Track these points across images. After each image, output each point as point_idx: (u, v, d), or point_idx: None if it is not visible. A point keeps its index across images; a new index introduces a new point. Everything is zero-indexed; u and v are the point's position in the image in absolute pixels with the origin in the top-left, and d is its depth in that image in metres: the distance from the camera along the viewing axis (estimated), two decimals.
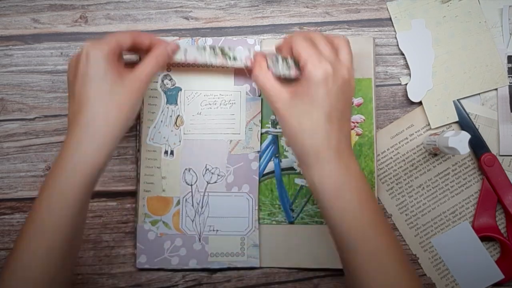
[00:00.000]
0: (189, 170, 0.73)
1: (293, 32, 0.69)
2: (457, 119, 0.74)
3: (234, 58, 0.69)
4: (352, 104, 0.64)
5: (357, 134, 0.73)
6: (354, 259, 0.59)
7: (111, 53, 0.61)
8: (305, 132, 0.60)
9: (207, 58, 0.69)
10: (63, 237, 0.58)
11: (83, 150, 0.59)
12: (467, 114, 0.74)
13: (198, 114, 0.73)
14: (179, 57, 0.69)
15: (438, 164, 0.74)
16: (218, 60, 0.69)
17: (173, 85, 0.73)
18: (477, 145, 0.73)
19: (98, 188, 0.73)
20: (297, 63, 0.63)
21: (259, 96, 0.74)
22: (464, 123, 0.74)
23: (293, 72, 0.63)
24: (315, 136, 0.59)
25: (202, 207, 0.73)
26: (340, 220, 0.59)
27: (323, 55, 0.61)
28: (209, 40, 0.74)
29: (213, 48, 0.69)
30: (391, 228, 0.61)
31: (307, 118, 0.59)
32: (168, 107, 0.73)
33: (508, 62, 0.74)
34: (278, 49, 0.67)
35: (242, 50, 0.69)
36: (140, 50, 0.67)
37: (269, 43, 0.74)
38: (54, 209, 0.58)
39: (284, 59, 0.64)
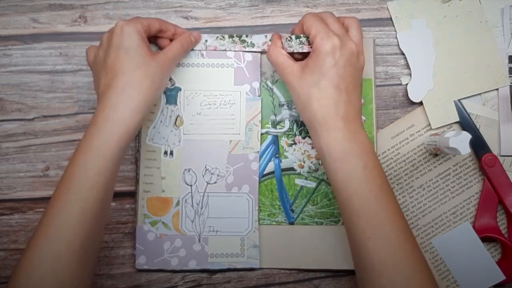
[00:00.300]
0: (188, 171, 0.73)
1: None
2: (458, 119, 0.73)
3: (252, 44, 0.73)
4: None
5: None
6: (357, 224, 0.60)
7: (143, 31, 0.65)
8: (314, 101, 0.63)
9: (227, 46, 0.73)
10: (96, 197, 0.59)
11: (120, 112, 0.62)
12: (468, 114, 0.74)
13: (197, 114, 0.73)
14: (200, 47, 0.73)
15: (438, 165, 0.74)
16: (237, 47, 0.73)
17: (173, 85, 0.73)
18: (478, 146, 0.73)
19: None
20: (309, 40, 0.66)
21: (259, 96, 0.73)
22: (465, 123, 0.73)
23: (306, 48, 0.67)
24: (323, 104, 0.62)
25: (202, 208, 0.73)
26: (344, 186, 0.61)
27: (332, 30, 0.64)
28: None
29: (231, 36, 0.73)
30: (395, 199, 0.62)
31: (316, 87, 0.62)
32: (167, 107, 0.73)
33: (509, 62, 0.74)
34: (293, 32, 0.70)
35: (260, 37, 0.72)
36: (163, 38, 0.71)
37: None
38: (90, 167, 0.60)
39: (298, 37, 0.67)
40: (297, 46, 0.67)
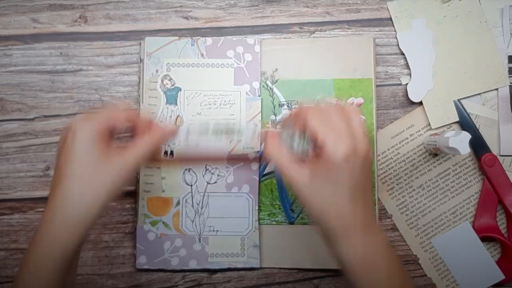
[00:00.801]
0: (189, 171, 0.73)
1: (300, 101, 0.68)
2: (457, 119, 0.74)
3: (240, 134, 0.70)
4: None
5: None
6: None
7: (100, 132, 0.58)
8: (330, 212, 0.57)
9: (211, 139, 0.69)
10: None
11: (56, 229, 0.56)
12: (468, 114, 0.74)
13: (198, 114, 0.73)
14: (179, 141, 0.70)
15: (438, 164, 0.74)
16: (223, 141, 0.70)
17: (173, 85, 0.73)
18: (478, 145, 0.73)
19: None
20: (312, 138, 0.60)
21: (259, 96, 0.73)
22: (465, 123, 0.73)
23: (311, 148, 0.60)
24: (340, 215, 0.57)
25: (202, 208, 0.73)
26: None
27: (340, 132, 0.57)
28: (209, 40, 0.74)
29: (216, 129, 0.70)
30: None
31: (331, 199, 0.57)
32: (167, 107, 0.73)
33: (509, 62, 0.74)
34: (286, 122, 0.63)
35: (247, 126, 0.70)
36: (135, 131, 0.63)
37: (269, 43, 0.74)
38: (31, 281, 0.55)
39: (302, 134, 0.60)
40: (304, 146, 0.60)
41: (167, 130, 0.65)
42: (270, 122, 0.74)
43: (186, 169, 0.73)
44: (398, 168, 0.74)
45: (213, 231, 0.73)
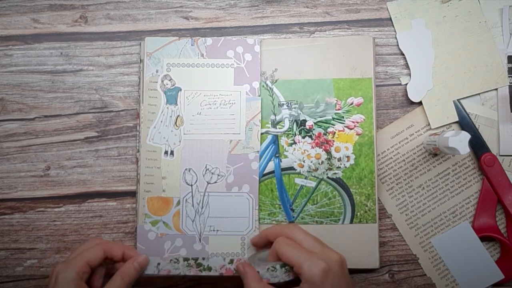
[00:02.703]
0: (189, 170, 0.73)
1: (271, 228, 0.71)
2: (457, 119, 0.74)
3: (209, 268, 0.70)
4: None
5: (357, 134, 0.73)
6: None
7: (79, 276, 0.63)
8: None
9: (181, 270, 0.70)
10: None
11: None
12: (467, 114, 0.74)
13: (198, 114, 0.73)
14: (151, 271, 0.70)
15: (438, 164, 0.74)
16: (193, 271, 0.70)
17: (173, 85, 0.73)
18: (477, 145, 0.73)
19: (98, 188, 0.73)
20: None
21: (259, 96, 0.74)
22: (464, 123, 0.74)
23: (291, 276, 0.65)
24: None
25: (202, 207, 0.73)
26: None
27: (311, 251, 0.63)
28: (209, 40, 0.74)
29: (186, 259, 0.71)
30: None
31: None
32: (168, 107, 0.73)
33: (508, 62, 0.74)
34: (260, 255, 0.69)
35: (217, 260, 0.71)
36: (113, 261, 0.68)
37: (269, 43, 0.74)
38: None
39: (283, 265, 0.65)
40: (283, 276, 0.65)
41: (138, 258, 0.68)
42: (270, 122, 0.74)
43: (186, 169, 0.73)
44: (398, 168, 0.75)
45: (213, 230, 0.73)
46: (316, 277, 0.61)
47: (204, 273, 0.71)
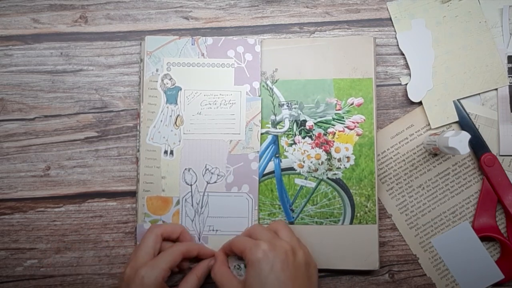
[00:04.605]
0: (188, 170, 0.73)
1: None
2: (457, 119, 0.74)
3: None
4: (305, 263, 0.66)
5: (357, 134, 0.73)
6: None
7: (163, 278, 0.65)
8: None
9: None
10: None
11: None
12: (467, 114, 0.74)
13: (198, 114, 0.73)
14: None
15: (438, 164, 0.74)
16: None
17: (173, 84, 0.73)
18: (477, 145, 0.73)
19: (98, 188, 0.73)
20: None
21: (259, 96, 0.74)
22: (464, 123, 0.74)
23: None
24: None
25: (201, 207, 0.73)
26: None
27: (260, 240, 0.64)
28: (209, 40, 0.74)
29: None
30: None
31: None
32: (168, 107, 0.73)
33: (508, 62, 0.74)
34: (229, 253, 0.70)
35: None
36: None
37: (269, 43, 0.74)
38: None
39: (241, 264, 0.68)
40: (237, 272, 0.67)
41: (211, 261, 0.70)
42: (270, 122, 0.74)
43: (186, 169, 0.73)
44: (398, 168, 0.74)
45: (213, 230, 0.73)
46: (255, 256, 0.61)
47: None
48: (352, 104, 0.73)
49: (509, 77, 0.74)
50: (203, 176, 0.73)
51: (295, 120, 0.74)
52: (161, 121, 0.73)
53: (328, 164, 0.73)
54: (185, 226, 0.73)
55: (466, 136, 0.64)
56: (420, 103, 0.74)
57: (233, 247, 0.67)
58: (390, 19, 0.76)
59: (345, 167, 0.73)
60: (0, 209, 0.75)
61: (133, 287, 0.64)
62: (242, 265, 0.67)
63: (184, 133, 0.73)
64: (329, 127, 0.73)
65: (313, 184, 0.73)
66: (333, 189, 0.73)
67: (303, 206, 0.73)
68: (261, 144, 0.73)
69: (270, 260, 0.61)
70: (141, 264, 0.65)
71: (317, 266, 0.71)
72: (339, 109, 0.73)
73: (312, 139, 0.73)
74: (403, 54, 0.75)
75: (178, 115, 0.73)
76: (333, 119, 0.73)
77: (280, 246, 0.63)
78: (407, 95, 0.74)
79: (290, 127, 0.74)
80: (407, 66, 0.75)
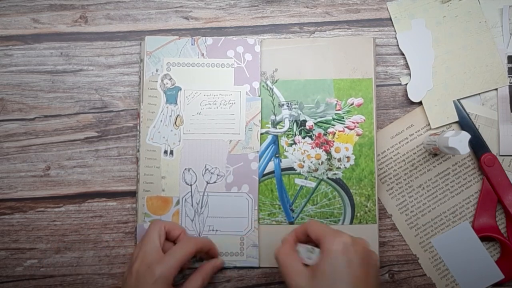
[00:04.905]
0: (188, 170, 0.73)
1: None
2: (457, 119, 0.74)
3: (201, 260, 0.73)
4: (377, 267, 0.63)
5: (358, 135, 0.73)
6: None
7: (175, 275, 0.64)
8: None
9: None
10: None
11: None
12: (467, 114, 0.74)
13: (197, 114, 0.73)
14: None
15: (438, 164, 0.74)
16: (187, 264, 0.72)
17: (173, 84, 0.73)
18: (477, 145, 0.73)
19: (98, 188, 0.73)
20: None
21: (259, 96, 0.74)
22: (464, 123, 0.74)
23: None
24: None
25: (201, 207, 0.73)
26: None
27: (338, 231, 0.61)
28: (209, 40, 0.74)
29: None
30: None
31: None
32: (167, 107, 0.73)
33: (508, 62, 0.74)
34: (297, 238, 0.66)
35: None
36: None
37: (269, 43, 0.74)
38: None
39: (311, 247, 0.63)
40: (307, 254, 0.63)
41: (217, 262, 0.72)
42: (270, 122, 0.74)
43: (186, 169, 0.73)
44: (398, 168, 0.74)
45: (213, 230, 0.73)
46: (335, 246, 0.58)
47: (197, 265, 0.72)
48: (352, 104, 0.73)
49: (509, 77, 0.74)
50: (203, 176, 0.73)
51: (295, 120, 0.74)
52: (161, 121, 0.73)
53: (328, 164, 0.73)
54: (185, 226, 0.73)
55: (466, 136, 0.64)
56: (420, 103, 0.74)
57: (310, 231, 0.63)
58: (390, 19, 0.76)
59: (345, 167, 0.73)
60: (0, 209, 0.75)
61: (144, 283, 0.63)
62: (316, 250, 0.63)
63: (184, 133, 0.73)
64: (329, 127, 0.73)
65: (313, 184, 0.73)
66: (333, 189, 0.73)
67: (303, 206, 0.73)
68: (261, 144, 0.73)
69: (350, 255, 0.58)
70: (153, 260, 0.65)
71: None
72: (339, 109, 0.73)
73: (312, 139, 0.73)
74: (403, 54, 0.75)
75: (178, 115, 0.73)
76: (333, 119, 0.73)
77: (361, 243, 0.60)
78: (407, 95, 0.74)
79: (290, 127, 0.74)
80: (407, 66, 0.75)
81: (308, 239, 0.64)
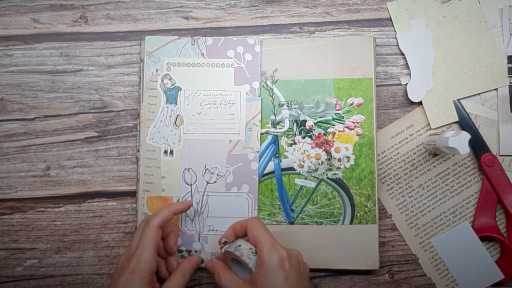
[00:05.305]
0: (188, 170, 0.73)
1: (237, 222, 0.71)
2: (457, 119, 0.74)
3: (201, 261, 0.73)
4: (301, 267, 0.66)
5: (357, 134, 0.73)
6: None
7: (148, 266, 0.63)
8: None
9: None
10: None
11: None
12: (467, 114, 0.74)
13: (197, 114, 0.73)
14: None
15: (438, 164, 0.74)
16: None
17: (173, 84, 0.73)
18: (477, 145, 0.73)
19: (98, 188, 0.73)
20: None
21: (259, 96, 0.74)
22: (464, 123, 0.74)
23: (254, 259, 0.65)
24: None
25: (201, 207, 0.73)
26: None
27: (263, 241, 0.64)
28: (209, 40, 0.74)
29: (180, 251, 0.73)
30: None
31: None
32: (167, 107, 0.73)
33: (508, 62, 0.74)
34: (234, 229, 0.69)
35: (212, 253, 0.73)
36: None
37: (269, 43, 0.74)
38: None
39: (248, 245, 0.66)
40: (247, 251, 0.65)
41: (193, 257, 0.72)
42: (270, 122, 0.74)
43: (185, 169, 0.73)
44: (398, 168, 0.74)
45: (213, 230, 0.73)
46: (272, 260, 0.61)
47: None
48: (352, 104, 0.73)
49: (509, 77, 0.74)
50: (203, 176, 0.73)
51: (295, 120, 0.74)
52: (161, 121, 0.73)
53: (328, 164, 0.73)
54: (185, 226, 0.73)
55: (466, 136, 0.64)
56: (420, 103, 0.74)
57: (249, 232, 0.66)
58: (390, 19, 0.76)
59: (345, 167, 0.73)
60: (0, 209, 0.75)
61: (123, 276, 0.63)
62: (242, 243, 0.66)
63: (184, 133, 0.73)
64: (329, 127, 0.73)
65: (313, 184, 0.73)
66: (333, 189, 0.73)
67: (303, 206, 0.73)
68: (261, 144, 0.73)
69: (285, 269, 0.61)
70: (131, 253, 0.65)
71: (317, 266, 0.72)
72: (339, 109, 0.73)
73: (312, 139, 0.73)
74: (403, 54, 0.75)
75: (178, 115, 0.73)
76: (333, 119, 0.73)
77: (294, 256, 0.63)
78: (407, 95, 0.74)
79: (290, 127, 0.74)
80: (407, 66, 0.75)
81: (245, 235, 0.67)
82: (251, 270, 0.64)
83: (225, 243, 0.69)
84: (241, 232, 0.68)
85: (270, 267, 0.61)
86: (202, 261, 0.72)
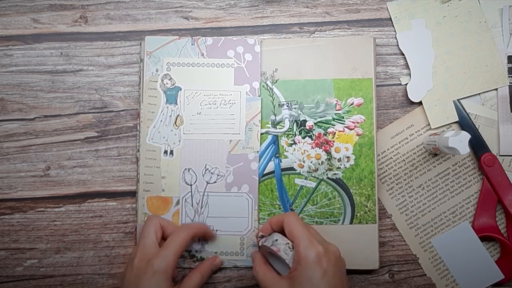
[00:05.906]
0: (188, 170, 0.73)
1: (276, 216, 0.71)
2: (457, 119, 0.74)
3: (202, 259, 0.73)
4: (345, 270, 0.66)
5: (357, 134, 0.73)
6: None
7: (173, 267, 0.65)
8: None
9: None
10: None
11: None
12: (467, 114, 0.74)
13: (198, 114, 0.73)
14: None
15: (438, 164, 0.74)
16: (186, 263, 0.73)
17: (173, 84, 0.73)
18: (477, 145, 0.73)
19: (98, 188, 0.73)
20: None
21: (259, 96, 0.74)
22: (464, 123, 0.74)
23: (290, 251, 0.65)
24: None
25: (201, 207, 0.73)
26: None
27: (314, 236, 0.64)
28: (209, 40, 0.74)
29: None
30: None
31: None
32: (167, 107, 0.73)
33: (508, 62, 0.74)
34: (271, 222, 0.69)
35: (211, 253, 0.73)
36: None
37: (269, 43, 0.74)
38: None
39: (285, 241, 0.66)
40: (284, 247, 0.65)
41: (216, 260, 0.72)
42: (270, 122, 0.74)
43: (186, 169, 0.73)
44: (398, 168, 0.74)
45: (213, 230, 0.73)
46: (308, 256, 0.61)
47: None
48: (352, 104, 0.73)
49: (509, 77, 0.74)
50: (203, 176, 0.73)
51: (295, 120, 0.74)
52: (161, 121, 0.73)
53: (328, 164, 0.73)
54: None
55: (466, 136, 0.64)
56: (420, 103, 0.74)
57: (286, 227, 0.65)
58: (390, 19, 0.76)
59: (345, 167, 0.73)
60: (0, 209, 0.75)
61: (144, 277, 0.63)
62: (279, 238, 0.66)
63: (184, 133, 0.73)
64: (329, 127, 0.73)
65: (313, 184, 0.73)
66: (333, 189, 0.73)
67: (303, 206, 0.73)
68: (261, 144, 0.73)
69: (323, 265, 0.61)
70: (151, 254, 0.65)
71: None
72: (339, 109, 0.73)
73: (312, 139, 0.73)
74: (403, 54, 0.75)
75: (178, 115, 0.73)
76: (333, 119, 0.73)
77: (332, 251, 0.63)
78: (407, 95, 0.74)
79: (290, 127, 0.74)
80: (407, 66, 0.75)
81: (282, 230, 0.67)
82: (288, 265, 0.64)
83: (262, 237, 0.69)
84: (277, 227, 0.68)
85: (308, 263, 0.61)
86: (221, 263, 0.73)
